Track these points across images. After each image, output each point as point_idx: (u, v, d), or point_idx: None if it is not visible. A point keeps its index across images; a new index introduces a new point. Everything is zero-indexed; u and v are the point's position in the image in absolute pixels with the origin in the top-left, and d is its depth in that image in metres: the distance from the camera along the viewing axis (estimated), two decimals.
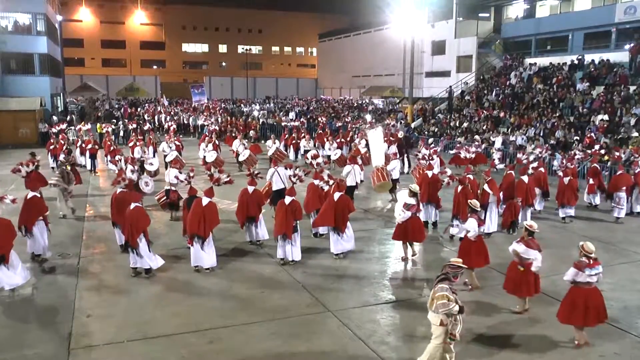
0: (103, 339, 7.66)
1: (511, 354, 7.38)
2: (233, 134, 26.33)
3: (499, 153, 19.56)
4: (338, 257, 11.23)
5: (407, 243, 11.28)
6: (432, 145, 21.93)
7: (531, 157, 16.31)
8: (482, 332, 7.98)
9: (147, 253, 10.01)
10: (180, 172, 13.74)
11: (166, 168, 16.59)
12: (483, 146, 23.66)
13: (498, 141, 25.51)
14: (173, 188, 13.85)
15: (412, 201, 10.95)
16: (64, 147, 20.70)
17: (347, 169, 15.33)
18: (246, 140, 23.63)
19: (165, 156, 19.64)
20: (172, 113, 39.93)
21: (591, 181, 15.83)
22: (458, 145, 23.56)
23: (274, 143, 22.49)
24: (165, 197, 14.10)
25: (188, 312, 8.62)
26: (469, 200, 10.38)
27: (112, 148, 21.43)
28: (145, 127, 31.01)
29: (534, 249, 8.38)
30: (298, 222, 10.85)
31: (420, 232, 11.21)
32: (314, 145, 24.59)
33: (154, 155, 21.27)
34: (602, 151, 19.28)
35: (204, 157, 20.80)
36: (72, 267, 10.74)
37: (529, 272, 8.41)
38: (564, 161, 16.50)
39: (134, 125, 30.25)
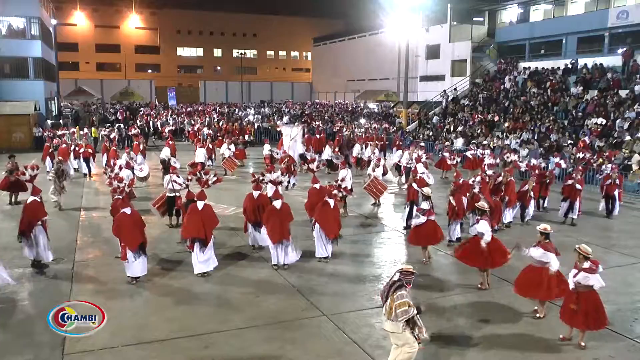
0: (97, 344, 7.61)
1: (505, 354, 7.40)
2: (224, 138, 26.49)
3: (491, 157, 19.53)
4: (321, 261, 11.15)
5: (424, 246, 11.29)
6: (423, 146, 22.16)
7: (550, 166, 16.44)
8: (476, 332, 8.00)
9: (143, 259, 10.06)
10: (178, 177, 13.60)
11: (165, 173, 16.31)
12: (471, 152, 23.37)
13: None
14: (177, 194, 13.43)
15: (426, 205, 11.00)
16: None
17: (343, 173, 15.37)
18: (233, 145, 23.74)
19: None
20: (164, 117, 39.82)
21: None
22: (445, 147, 23.52)
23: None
24: (163, 203, 13.85)
25: (183, 317, 8.59)
26: (477, 203, 10.36)
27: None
28: (141, 132, 30.78)
29: (551, 252, 8.29)
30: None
31: (435, 236, 11.09)
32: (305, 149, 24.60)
33: (143, 162, 21.24)
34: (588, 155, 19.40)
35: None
36: (66, 271, 10.67)
37: (550, 275, 8.25)
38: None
39: (133, 131, 30.06)
